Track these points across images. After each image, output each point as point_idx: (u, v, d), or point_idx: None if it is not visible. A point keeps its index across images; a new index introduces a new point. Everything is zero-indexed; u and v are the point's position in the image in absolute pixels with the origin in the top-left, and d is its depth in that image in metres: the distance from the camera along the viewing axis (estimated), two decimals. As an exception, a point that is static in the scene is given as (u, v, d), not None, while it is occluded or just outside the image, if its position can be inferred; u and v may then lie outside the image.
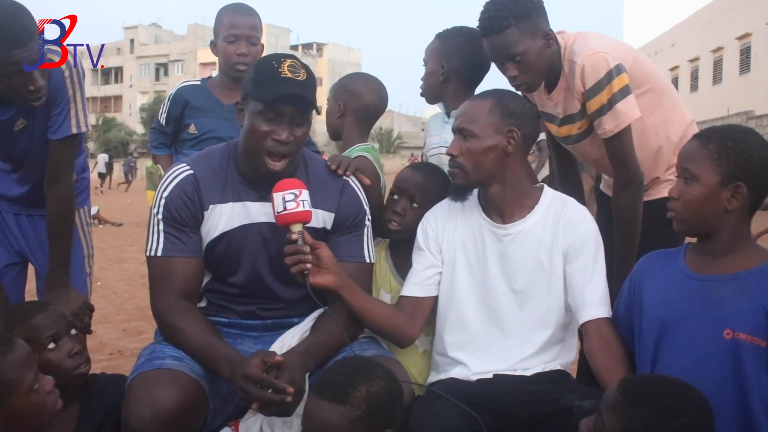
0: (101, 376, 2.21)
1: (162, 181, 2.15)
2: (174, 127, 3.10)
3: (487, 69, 2.66)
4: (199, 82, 3.12)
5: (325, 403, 1.65)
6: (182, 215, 2.09)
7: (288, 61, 2.03)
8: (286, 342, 2.11)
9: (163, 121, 3.14)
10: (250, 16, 2.96)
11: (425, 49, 2.72)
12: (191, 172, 2.12)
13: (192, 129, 3.00)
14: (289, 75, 2.00)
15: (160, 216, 2.10)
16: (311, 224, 2.06)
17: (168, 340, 2.08)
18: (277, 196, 1.98)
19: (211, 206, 2.10)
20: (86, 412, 2.08)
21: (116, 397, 1.99)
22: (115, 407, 1.99)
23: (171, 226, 2.09)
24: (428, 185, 2.41)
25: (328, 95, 2.76)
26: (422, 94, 2.76)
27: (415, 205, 2.40)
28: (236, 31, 2.90)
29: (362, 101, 2.68)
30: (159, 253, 2.08)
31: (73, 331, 2.12)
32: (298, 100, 2.02)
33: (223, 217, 2.11)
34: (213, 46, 3.02)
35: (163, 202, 2.10)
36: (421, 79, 2.74)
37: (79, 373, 2.05)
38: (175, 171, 2.14)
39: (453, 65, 2.63)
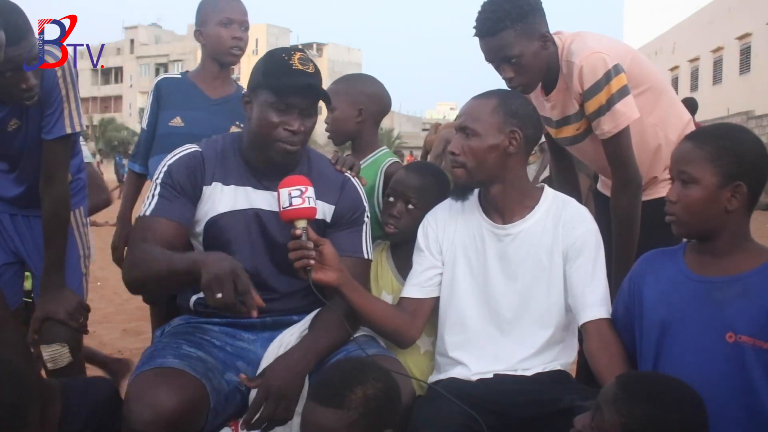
0: (79, 380, 2.19)
1: (170, 154, 2.18)
2: (153, 128, 2.86)
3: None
4: (179, 76, 2.97)
5: (322, 408, 1.64)
6: (181, 183, 2.12)
7: (298, 54, 2.08)
8: (285, 341, 2.11)
9: (146, 125, 2.90)
10: (241, 2, 2.92)
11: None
12: (199, 150, 2.18)
13: (177, 121, 2.81)
14: (300, 67, 2.05)
15: (159, 180, 2.13)
16: None
17: (132, 284, 2.04)
18: (284, 192, 2.00)
19: (214, 183, 2.14)
20: (66, 418, 2.06)
21: (97, 401, 2.00)
22: (95, 411, 2.01)
23: (167, 190, 2.11)
24: (423, 186, 2.40)
25: (338, 99, 2.69)
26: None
27: (410, 206, 2.39)
28: (231, 14, 2.84)
29: (382, 105, 2.70)
30: (148, 213, 2.10)
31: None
32: (310, 91, 2.06)
33: (225, 198, 2.14)
34: (198, 34, 2.87)
35: (165, 168, 2.14)
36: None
37: None
38: (183, 148, 2.19)
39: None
